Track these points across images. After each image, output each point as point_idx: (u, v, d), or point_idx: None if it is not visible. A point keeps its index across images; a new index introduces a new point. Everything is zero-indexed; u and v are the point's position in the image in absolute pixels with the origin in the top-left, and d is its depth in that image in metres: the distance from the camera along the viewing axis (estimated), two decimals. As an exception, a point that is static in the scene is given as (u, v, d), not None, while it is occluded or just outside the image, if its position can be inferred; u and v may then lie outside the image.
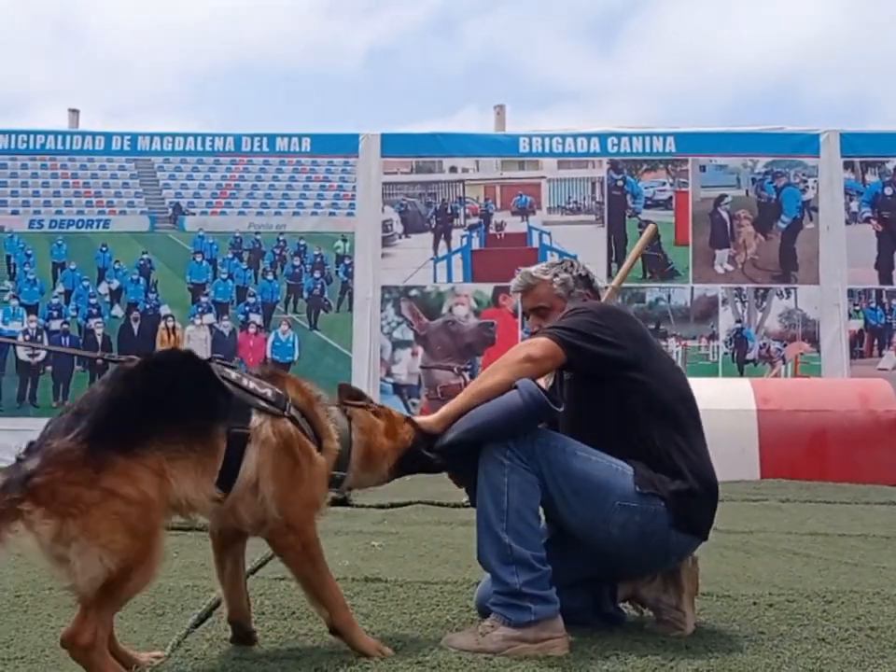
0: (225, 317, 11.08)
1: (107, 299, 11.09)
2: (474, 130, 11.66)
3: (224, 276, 11.15)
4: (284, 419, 2.72)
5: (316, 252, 11.18)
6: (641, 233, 10.81)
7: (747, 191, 10.99)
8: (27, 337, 10.90)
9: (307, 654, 2.82)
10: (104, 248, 11.16)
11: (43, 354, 10.92)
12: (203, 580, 3.85)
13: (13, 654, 2.86)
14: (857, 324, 10.71)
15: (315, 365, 10.92)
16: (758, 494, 7.31)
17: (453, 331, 10.87)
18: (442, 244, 11.08)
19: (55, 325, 10.99)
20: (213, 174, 11.26)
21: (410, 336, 10.92)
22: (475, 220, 11.12)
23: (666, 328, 10.79)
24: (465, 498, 5.36)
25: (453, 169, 11.16)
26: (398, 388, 10.79)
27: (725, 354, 10.75)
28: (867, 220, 10.85)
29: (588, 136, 11.10)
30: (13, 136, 11.26)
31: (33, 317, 10.99)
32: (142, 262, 11.15)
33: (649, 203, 10.99)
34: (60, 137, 11.32)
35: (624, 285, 10.70)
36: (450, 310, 10.94)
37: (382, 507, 6.26)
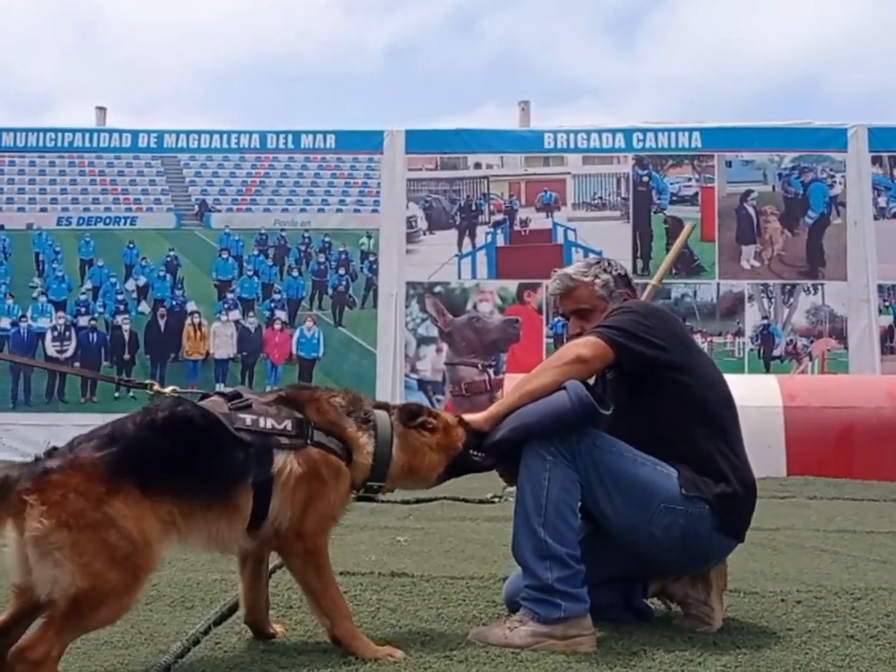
0: (251, 314, 11.13)
1: (134, 295, 11.18)
2: (496, 126, 11.64)
3: (250, 273, 11.20)
4: (306, 448, 2.75)
5: (341, 249, 11.21)
6: (667, 230, 10.81)
7: (773, 187, 10.91)
8: (56, 333, 11.01)
9: (334, 648, 2.83)
10: (131, 245, 11.24)
11: (71, 349, 11.03)
12: (231, 573, 3.86)
13: (46, 646, 2.89)
14: (887, 320, 10.61)
15: (339, 361, 10.96)
16: (785, 491, 7.26)
17: (477, 328, 10.87)
18: (467, 240, 11.08)
19: (83, 321, 11.09)
20: (238, 171, 11.32)
21: (434, 332, 10.92)
22: (500, 217, 11.10)
23: (692, 324, 10.73)
24: (489, 494, 5.36)
25: (477, 165, 11.15)
26: (422, 385, 10.80)
27: (751, 350, 10.69)
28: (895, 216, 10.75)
29: (613, 132, 11.06)
30: (41, 134, 11.36)
31: (61, 314, 11.09)
32: (168, 259, 11.22)
33: (674, 198, 10.93)
34: (87, 135, 11.41)
35: (650, 280, 10.68)
36: (474, 306, 10.94)
37: (407, 503, 6.28)
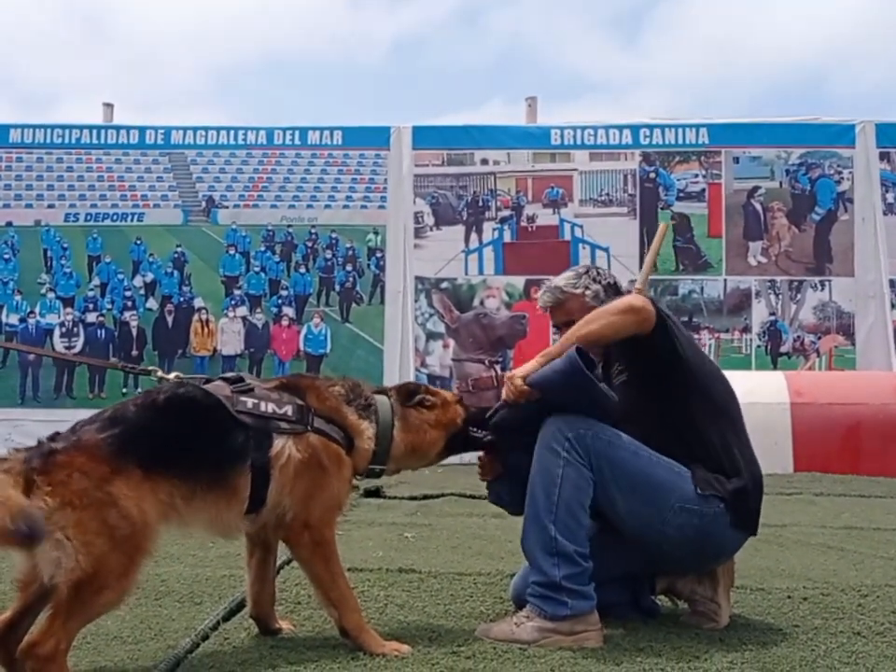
0: (258, 310, 11.15)
1: (142, 291, 11.20)
2: (502, 122, 11.62)
3: (257, 269, 11.22)
4: (306, 434, 2.77)
5: (348, 245, 11.22)
6: (675, 226, 10.79)
7: (780, 183, 10.89)
8: (64, 329, 11.04)
9: (343, 643, 2.85)
10: (138, 241, 11.26)
11: (79, 345, 11.06)
12: (239, 569, 3.88)
13: (56, 641, 2.92)
14: (898, 315, 10.57)
15: (347, 357, 10.98)
16: (791, 487, 7.26)
17: (484, 324, 10.87)
18: (474, 236, 11.08)
19: (91, 317, 11.12)
20: (245, 167, 11.33)
21: (441, 328, 10.93)
22: (507, 213, 11.10)
23: (699, 320, 10.73)
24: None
25: (484, 161, 11.15)
26: (432, 380, 10.81)
27: (759, 347, 10.68)
28: (904, 212, 10.72)
29: (620, 128, 11.04)
30: (49, 130, 11.38)
31: (69, 310, 11.12)
32: (176, 255, 11.25)
33: (681, 195, 10.92)
34: (94, 131, 11.42)
35: (656, 277, 10.69)
36: (481, 302, 10.94)
37: (415, 498, 6.31)
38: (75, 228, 11.27)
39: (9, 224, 11.25)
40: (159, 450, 2.54)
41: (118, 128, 11.46)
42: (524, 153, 11.09)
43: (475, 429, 3.10)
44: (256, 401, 2.75)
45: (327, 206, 11.29)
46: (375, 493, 6.43)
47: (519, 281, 10.90)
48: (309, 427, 2.78)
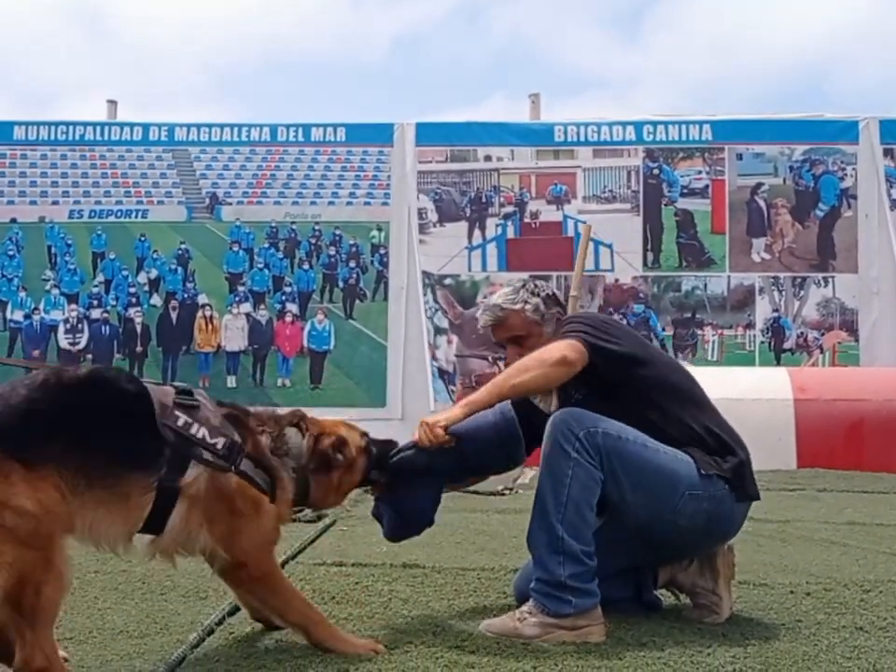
0: (262, 307, 11.17)
1: (146, 288, 11.23)
2: (504, 118, 11.62)
3: (261, 266, 11.24)
4: (229, 474, 2.58)
5: (352, 241, 11.23)
6: (678, 223, 10.81)
7: (784, 179, 10.89)
8: (68, 326, 11.07)
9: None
10: (142, 238, 11.29)
11: (83, 342, 11.09)
12: (244, 564, 3.91)
13: (62, 635, 2.93)
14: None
15: (350, 354, 11.00)
16: (794, 483, 7.26)
17: (487, 320, 10.86)
18: (477, 232, 11.09)
19: (95, 314, 11.14)
20: (249, 164, 11.34)
21: (445, 324, 10.94)
22: (510, 209, 11.11)
23: (703, 316, 10.74)
24: (500, 486, 5.36)
25: (487, 158, 11.15)
26: (442, 373, 10.81)
27: (762, 343, 10.68)
28: (908, 208, 10.71)
29: (623, 125, 11.05)
30: (53, 127, 11.40)
31: (73, 306, 11.15)
32: (180, 252, 11.27)
33: (685, 191, 10.92)
34: (98, 128, 11.45)
35: (660, 273, 10.70)
36: (485, 299, 10.95)
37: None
38: (79, 224, 11.30)
39: (13, 221, 11.28)
40: (46, 435, 2.30)
41: (121, 125, 11.48)
42: (527, 150, 11.09)
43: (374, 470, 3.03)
44: (189, 421, 2.53)
45: (330, 203, 11.30)
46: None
47: (522, 277, 10.87)
48: (233, 468, 2.58)
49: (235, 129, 11.42)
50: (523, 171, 11.10)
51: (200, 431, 2.54)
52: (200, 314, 11.15)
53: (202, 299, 11.20)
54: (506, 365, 3.30)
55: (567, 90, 30.89)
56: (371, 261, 11.19)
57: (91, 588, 3.56)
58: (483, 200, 11.13)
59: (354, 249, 11.22)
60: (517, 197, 11.09)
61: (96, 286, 11.21)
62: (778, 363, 10.47)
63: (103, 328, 11.14)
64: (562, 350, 2.94)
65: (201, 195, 11.39)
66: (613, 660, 2.67)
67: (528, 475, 6.54)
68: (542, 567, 2.90)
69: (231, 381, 11.00)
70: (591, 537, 2.88)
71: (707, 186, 10.91)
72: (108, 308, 11.17)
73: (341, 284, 11.20)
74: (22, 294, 11.18)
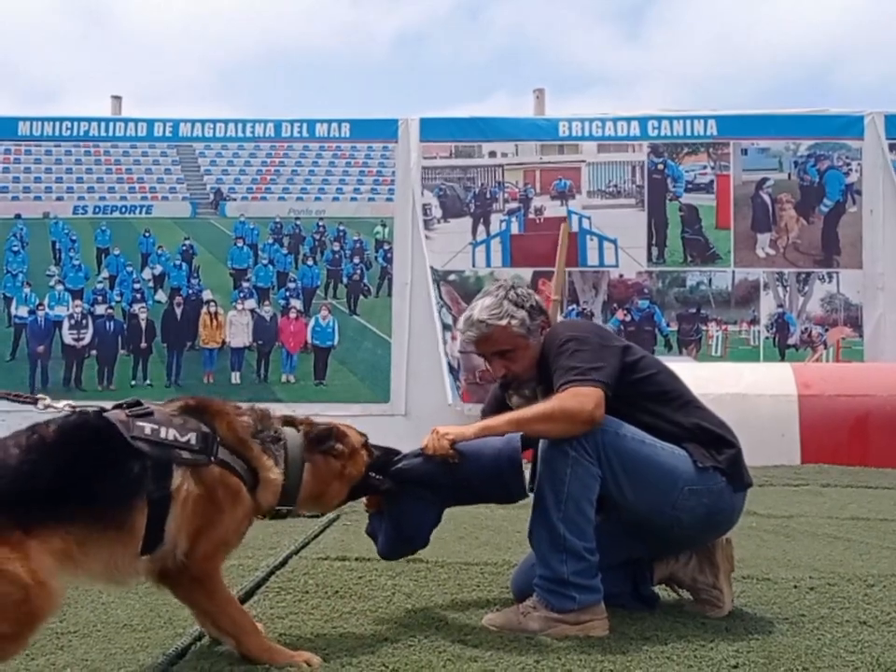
0: (266, 302, 11.17)
1: (151, 284, 11.23)
2: (508, 114, 11.61)
3: (265, 262, 11.24)
4: (209, 467, 2.52)
5: (356, 237, 11.23)
6: (683, 218, 10.79)
7: (789, 175, 10.86)
8: (73, 321, 11.09)
9: (351, 633, 2.88)
10: (146, 234, 11.29)
11: (88, 338, 11.10)
12: (247, 559, 3.93)
13: (66, 629, 2.95)
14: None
15: (354, 350, 11.00)
16: (799, 479, 7.26)
17: (491, 316, 10.84)
18: (481, 228, 11.08)
19: (100, 310, 11.16)
20: (253, 159, 11.34)
21: (449, 320, 10.94)
22: (514, 205, 11.09)
23: (707, 312, 10.73)
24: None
25: (492, 153, 11.13)
26: (451, 368, 10.80)
27: (767, 338, 10.67)
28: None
29: (628, 120, 11.02)
30: (57, 123, 11.41)
31: (78, 302, 11.16)
32: (184, 248, 11.27)
33: (689, 186, 10.90)
34: (103, 124, 11.45)
35: (665, 268, 10.69)
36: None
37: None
38: (83, 220, 11.31)
39: (18, 216, 11.29)
40: (46, 497, 2.27)
41: (126, 120, 11.48)
42: (531, 145, 11.07)
43: (375, 474, 2.96)
44: (155, 427, 2.48)
45: (334, 199, 11.30)
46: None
47: (527, 273, 10.89)
48: (212, 458, 2.52)
49: (239, 125, 11.42)
50: (527, 166, 11.08)
51: (169, 433, 2.49)
52: (204, 309, 11.16)
53: (206, 295, 11.20)
54: (490, 376, 3.27)
55: (570, 86, 30.93)
56: (375, 257, 11.18)
57: (96, 582, 3.57)
58: (488, 195, 11.11)
59: (358, 245, 11.22)
60: (521, 192, 11.07)
61: (101, 281, 11.21)
62: (783, 359, 10.45)
63: (107, 323, 11.15)
64: (592, 408, 2.85)
65: (205, 191, 11.39)
66: (616, 654, 2.68)
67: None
68: (545, 565, 2.90)
69: (236, 377, 11.01)
70: (592, 533, 2.89)
71: (711, 181, 10.89)
72: (113, 304, 11.18)
73: (345, 280, 11.20)
74: (27, 290, 11.19)
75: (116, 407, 2.57)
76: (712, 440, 3.06)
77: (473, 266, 10.99)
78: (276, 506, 2.73)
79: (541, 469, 2.93)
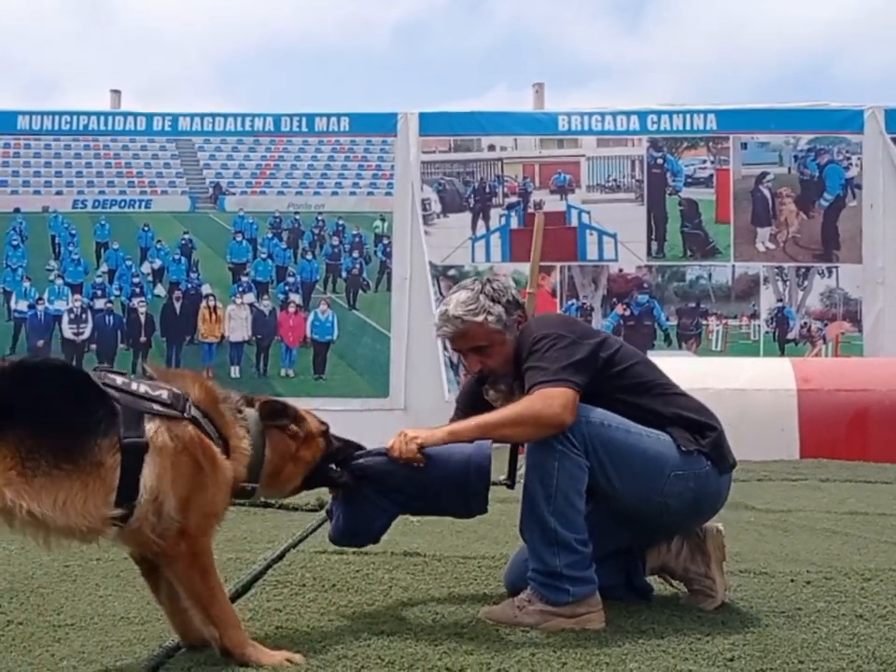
0: (265, 297, 11.17)
1: (150, 278, 11.23)
2: (507, 108, 11.59)
3: (264, 256, 11.24)
4: (182, 422, 2.45)
5: (355, 232, 11.22)
6: (682, 212, 10.79)
7: (789, 169, 10.86)
8: (72, 316, 11.09)
9: (348, 626, 2.88)
10: (146, 228, 11.29)
11: (88, 332, 11.10)
12: (245, 552, 3.94)
13: (63, 621, 2.96)
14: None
15: (353, 344, 11.00)
16: (797, 473, 7.27)
17: (491, 310, 10.84)
18: (481, 223, 11.07)
19: (99, 304, 11.16)
20: (253, 154, 11.34)
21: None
22: (514, 199, 11.09)
23: (707, 306, 10.73)
24: (501, 476, 5.35)
25: (491, 147, 11.13)
26: (450, 363, 10.77)
27: (766, 333, 10.67)
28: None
29: (628, 114, 11.02)
30: (57, 117, 11.40)
31: (77, 296, 11.16)
32: (183, 242, 11.27)
33: (689, 180, 10.90)
34: (102, 118, 11.44)
35: (665, 263, 10.69)
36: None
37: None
38: (83, 214, 11.31)
39: (17, 210, 11.29)
40: (7, 418, 2.20)
41: (125, 114, 11.47)
42: (531, 139, 11.07)
43: (333, 467, 2.90)
44: (126, 380, 2.45)
45: (334, 193, 11.29)
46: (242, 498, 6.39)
47: (526, 268, 10.84)
48: (185, 414, 2.46)
49: (239, 119, 11.41)
50: (526, 160, 11.07)
51: (141, 387, 2.45)
52: (203, 304, 11.17)
53: (205, 289, 11.21)
54: (465, 371, 3.24)
55: (569, 80, 30.84)
56: (375, 252, 11.18)
57: (93, 575, 3.58)
58: (487, 190, 11.11)
59: (357, 239, 11.21)
60: (521, 187, 11.07)
61: (100, 276, 11.21)
62: (782, 353, 10.45)
63: (107, 318, 11.15)
64: (560, 412, 2.81)
65: (204, 185, 11.39)
66: (612, 647, 2.68)
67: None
68: (538, 558, 2.90)
69: (235, 371, 11.02)
70: (583, 524, 2.89)
71: (711, 175, 10.88)
72: (112, 298, 11.19)
73: (344, 274, 11.20)
74: (27, 284, 11.20)
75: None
76: (693, 425, 3.05)
77: (473, 261, 10.99)
78: (243, 477, 2.64)
79: (528, 464, 2.92)
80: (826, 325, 10.61)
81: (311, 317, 11.13)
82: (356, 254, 11.19)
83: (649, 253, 10.83)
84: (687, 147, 10.94)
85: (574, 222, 10.91)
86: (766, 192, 10.82)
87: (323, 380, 10.97)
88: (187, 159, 11.37)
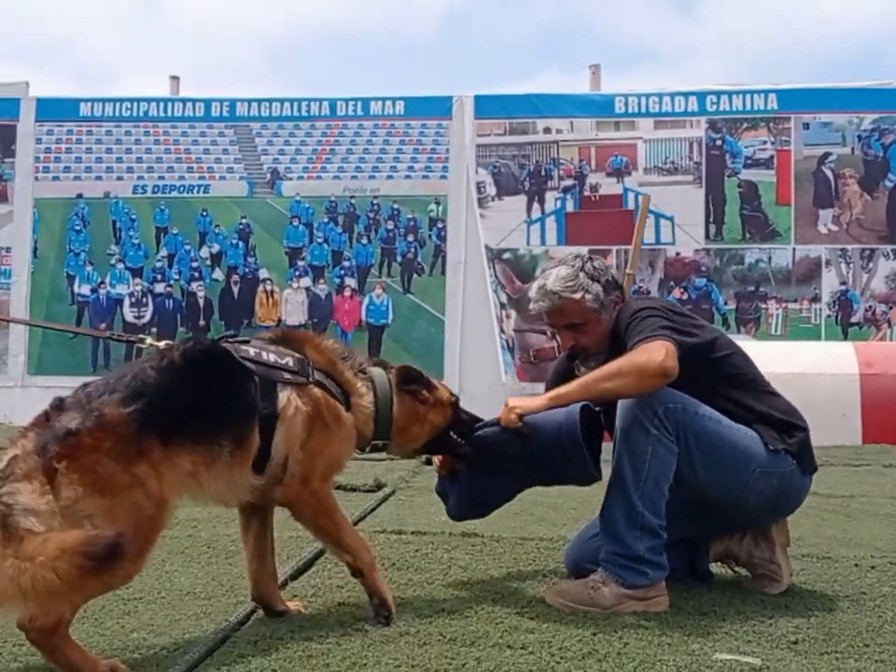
0: (321, 281, 11.25)
1: (208, 262, 11.38)
2: (562, 90, 11.48)
3: (320, 240, 11.31)
4: (308, 386, 2.65)
5: (410, 215, 11.24)
6: (741, 194, 10.63)
7: (852, 149, 10.62)
8: (133, 300, 11.28)
9: (409, 603, 2.91)
10: (204, 213, 11.43)
11: (148, 315, 11.30)
12: (305, 531, 3.97)
13: (132, 595, 3.03)
14: None
15: (408, 328, 11.04)
16: (860, 459, 7.15)
17: (546, 294, 10.79)
18: (536, 206, 11.02)
19: (159, 288, 11.34)
20: (309, 138, 11.40)
21: (504, 299, 10.90)
22: (569, 182, 11.01)
23: (767, 290, 10.56)
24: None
25: (547, 130, 11.05)
26: (506, 347, 10.77)
27: (828, 317, 10.47)
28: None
29: (686, 95, 10.86)
30: (117, 104, 11.58)
31: (138, 280, 11.35)
32: (241, 227, 11.39)
33: (749, 162, 10.71)
34: (162, 104, 11.59)
35: (723, 246, 10.55)
36: (539, 277, 10.85)
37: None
38: (143, 200, 11.48)
39: (80, 196, 11.50)
40: (182, 418, 2.40)
41: (184, 101, 11.61)
42: (587, 121, 10.96)
43: (456, 436, 3.03)
44: (257, 350, 2.63)
45: (389, 177, 11.32)
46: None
47: (582, 251, 10.78)
48: (310, 380, 2.66)
49: (295, 104, 11.48)
50: (582, 143, 10.98)
51: (270, 356, 2.64)
52: (260, 288, 11.28)
53: (262, 273, 11.32)
54: (559, 348, 3.25)
55: (621, 62, 30.48)
56: (430, 235, 11.19)
57: (159, 551, 3.61)
58: (542, 173, 11.04)
59: (412, 223, 11.23)
60: (577, 169, 10.98)
61: (160, 260, 11.39)
62: (846, 337, 10.25)
63: (166, 301, 11.33)
64: (662, 359, 2.76)
65: (262, 170, 11.48)
66: (675, 629, 2.67)
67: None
68: (618, 541, 2.88)
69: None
70: (664, 510, 2.88)
71: (771, 156, 10.68)
72: (171, 282, 11.36)
73: (399, 258, 11.23)
74: (89, 268, 11.41)
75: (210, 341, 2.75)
76: (781, 424, 3.02)
77: (528, 244, 10.95)
78: (373, 439, 2.87)
79: (620, 445, 2.89)
80: (891, 308, 10.39)
81: (366, 301, 11.18)
82: (410, 238, 11.21)
83: (707, 236, 10.69)
84: (747, 127, 10.76)
85: (630, 205, 10.79)
86: (829, 173, 10.60)
87: (378, 363, 11.01)
88: (245, 144, 11.47)
